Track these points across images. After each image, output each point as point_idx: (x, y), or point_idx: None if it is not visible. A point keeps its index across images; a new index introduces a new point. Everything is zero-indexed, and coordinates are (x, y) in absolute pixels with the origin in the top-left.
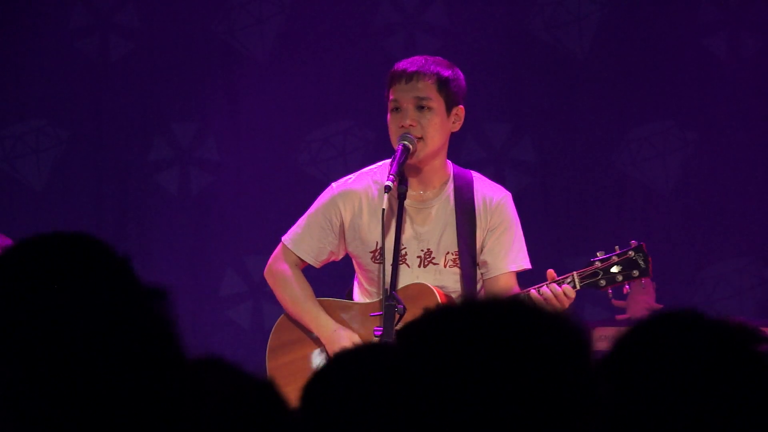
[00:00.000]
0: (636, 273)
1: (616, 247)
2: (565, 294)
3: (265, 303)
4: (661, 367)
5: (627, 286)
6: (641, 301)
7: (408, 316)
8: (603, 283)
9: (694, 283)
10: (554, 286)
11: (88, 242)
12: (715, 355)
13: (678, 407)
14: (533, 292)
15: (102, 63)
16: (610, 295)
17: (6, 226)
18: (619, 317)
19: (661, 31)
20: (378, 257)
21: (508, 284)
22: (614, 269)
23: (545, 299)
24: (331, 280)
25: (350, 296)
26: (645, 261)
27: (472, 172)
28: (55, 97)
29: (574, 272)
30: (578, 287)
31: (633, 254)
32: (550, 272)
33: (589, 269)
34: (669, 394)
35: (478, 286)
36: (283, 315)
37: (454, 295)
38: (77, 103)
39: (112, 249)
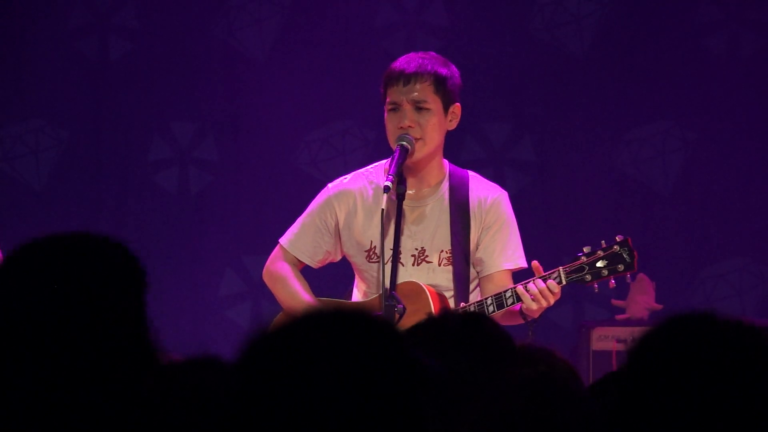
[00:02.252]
0: (621, 267)
1: (603, 242)
2: (549, 290)
3: (265, 303)
4: (682, 370)
5: (613, 281)
6: (641, 301)
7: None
8: (588, 278)
9: (694, 283)
10: (539, 281)
11: (94, 241)
12: (738, 356)
13: (701, 409)
14: (520, 288)
15: (101, 63)
16: (596, 290)
17: (5, 226)
18: (619, 317)
19: (661, 31)
20: (372, 256)
21: (502, 282)
22: (600, 264)
23: (531, 295)
24: (331, 280)
25: (349, 297)
26: (630, 255)
27: (468, 171)
28: (55, 97)
29: (560, 267)
30: (564, 282)
31: (618, 249)
32: (536, 264)
33: (575, 264)
34: (691, 396)
35: (472, 285)
36: (280, 313)
37: (447, 294)
38: (77, 103)
39: (118, 247)
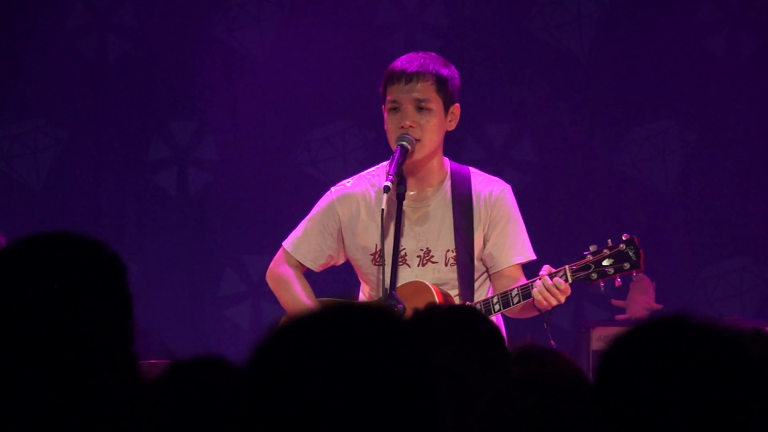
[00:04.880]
0: (627, 266)
1: (609, 240)
2: (556, 287)
3: (264, 303)
4: (655, 373)
5: (618, 280)
6: (641, 301)
7: (406, 315)
8: (595, 276)
9: (694, 283)
10: (546, 278)
11: (77, 241)
12: (707, 360)
13: (672, 412)
14: (528, 286)
15: (100, 63)
16: (602, 289)
17: (4, 226)
18: (619, 317)
19: (661, 31)
20: (378, 259)
21: (514, 276)
22: (606, 262)
23: (539, 292)
24: (334, 282)
25: (356, 300)
26: (636, 254)
27: (470, 167)
28: (54, 96)
29: (566, 266)
30: (570, 281)
31: (624, 247)
32: (547, 268)
33: (581, 262)
34: (664, 400)
35: (477, 282)
36: (284, 317)
37: (453, 292)
38: (75, 103)
39: (101, 247)
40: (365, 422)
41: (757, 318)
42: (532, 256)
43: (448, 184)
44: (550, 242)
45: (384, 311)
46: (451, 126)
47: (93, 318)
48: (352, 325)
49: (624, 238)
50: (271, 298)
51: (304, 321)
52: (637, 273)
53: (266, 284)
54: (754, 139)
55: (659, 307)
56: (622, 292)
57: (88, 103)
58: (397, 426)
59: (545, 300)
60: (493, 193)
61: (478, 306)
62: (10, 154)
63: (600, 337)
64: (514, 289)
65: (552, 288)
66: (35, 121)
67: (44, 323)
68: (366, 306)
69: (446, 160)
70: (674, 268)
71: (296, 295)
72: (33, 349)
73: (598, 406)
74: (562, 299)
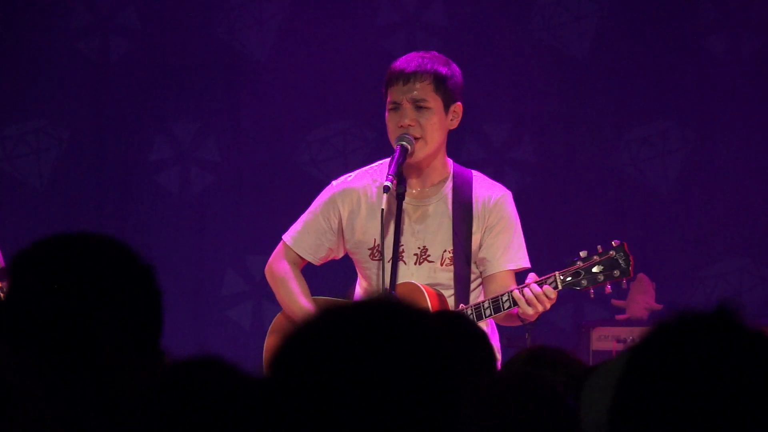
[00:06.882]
0: (617, 273)
1: (599, 246)
2: (546, 295)
3: (266, 303)
4: (690, 375)
5: (609, 287)
6: (641, 301)
7: None
8: (584, 283)
9: (694, 283)
10: (535, 286)
11: (112, 244)
12: (750, 365)
13: (706, 416)
14: (516, 292)
15: (102, 63)
16: (592, 295)
17: (7, 226)
18: (619, 317)
19: (661, 31)
20: (376, 255)
21: (505, 283)
22: (595, 269)
23: (527, 300)
24: (332, 278)
25: (352, 295)
26: (626, 261)
27: (472, 171)
28: (56, 97)
29: (557, 272)
30: (560, 287)
31: (614, 254)
32: (532, 276)
33: (571, 269)
34: (697, 403)
35: (473, 285)
36: (279, 314)
37: (447, 293)
38: (78, 104)
39: (133, 252)
40: (391, 422)
41: (757, 319)
42: (526, 264)
43: (449, 185)
44: (550, 242)
45: (410, 311)
46: (453, 124)
47: (123, 315)
48: (379, 325)
49: (614, 245)
50: (273, 298)
51: (325, 322)
52: (627, 280)
53: (268, 284)
54: (754, 139)
55: (659, 307)
56: (622, 292)
57: (90, 104)
58: (420, 426)
59: (532, 307)
60: (492, 198)
61: (469, 310)
62: (12, 155)
63: (600, 337)
64: (505, 294)
65: (541, 296)
66: (38, 121)
67: (74, 320)
68: (392, 305)
69: (450, 161)
70: (674, 268)
71: (292, 295)
72: (62, 346)
73: (622, 413)
74: (548, 306)
